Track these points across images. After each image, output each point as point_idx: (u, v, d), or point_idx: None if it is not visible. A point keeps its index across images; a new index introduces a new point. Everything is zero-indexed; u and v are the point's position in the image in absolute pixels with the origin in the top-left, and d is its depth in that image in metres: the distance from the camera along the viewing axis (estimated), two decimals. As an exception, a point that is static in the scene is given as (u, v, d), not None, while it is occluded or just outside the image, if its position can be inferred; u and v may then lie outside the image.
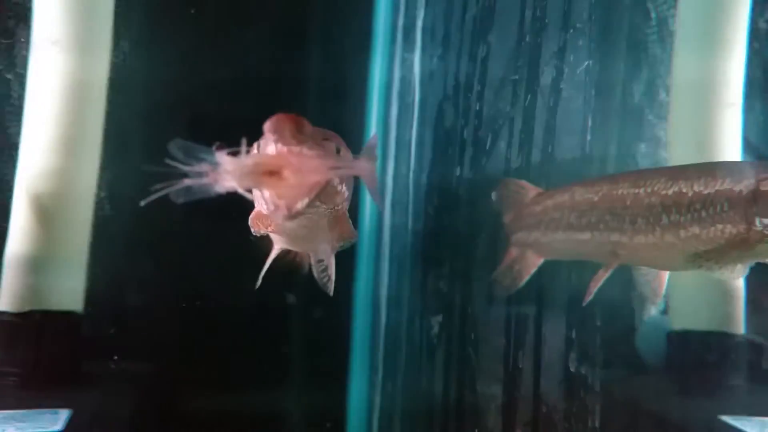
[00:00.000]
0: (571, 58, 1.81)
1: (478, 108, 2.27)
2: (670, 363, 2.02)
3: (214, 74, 2.75)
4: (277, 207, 1.04)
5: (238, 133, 1.05)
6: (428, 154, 2.58)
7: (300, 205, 1.04)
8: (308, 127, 1.01)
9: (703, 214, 1.31)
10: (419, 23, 2.77)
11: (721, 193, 1.29)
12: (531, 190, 1.79)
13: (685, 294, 1.97)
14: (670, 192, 1.36)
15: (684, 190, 1.33)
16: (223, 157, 1.01)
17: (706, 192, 1.30)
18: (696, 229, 1.32)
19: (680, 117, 1.89)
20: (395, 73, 2.92)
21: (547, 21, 1.95)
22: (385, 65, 2.98)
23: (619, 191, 1.47)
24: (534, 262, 1.76)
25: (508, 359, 1.95)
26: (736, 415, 1.83)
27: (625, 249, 1.45)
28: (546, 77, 1.90)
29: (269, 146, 1.03)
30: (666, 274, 1.54)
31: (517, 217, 1.81)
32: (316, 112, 2.96)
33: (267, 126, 0.99)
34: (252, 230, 1.36)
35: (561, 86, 1.84)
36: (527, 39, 2.03)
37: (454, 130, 2.40)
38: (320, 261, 1.57)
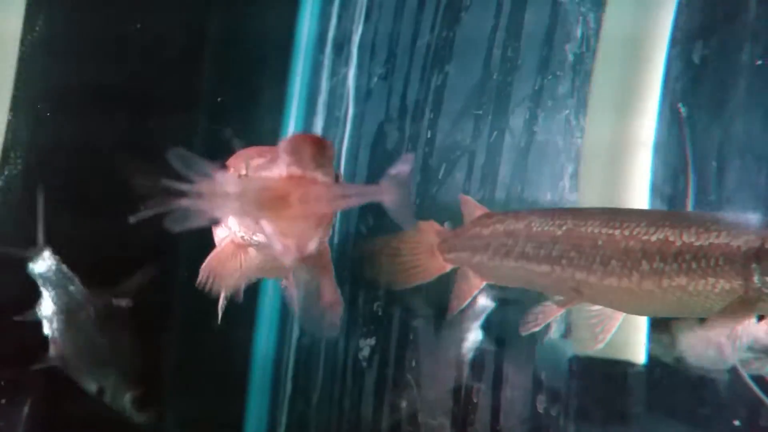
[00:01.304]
0: (549, 104, 1.81)
1: (429, 136, 2.22)
2: (571, 388, 2.07)
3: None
4: (286, 248, 0.88)
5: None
6: (363, 172, 2.49)
7: (313, 245, 0.89)
8: (331, 150, 0.88)
9: (693, 265, 1.27)
10: (355, 38, 2.67)
11: (716, 246, 1.26)
12: (476, 209, 1.70)
13: (585, 319, 2.02)
14: (653, 238, 1.32)
15: (671, 239, 1.30)
16: (223, 176, 0.88)
17: (698, 243, 1.27)
18: (683, 280, 1.29)
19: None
20: (322, 83, 2.81)
21: (519, 62, 1.94)
22: (307, 74, 2.87)
23: (588, 229, 1.42)
24: (476, 284, 1.69)
25: (460, 392, 1.91)
26: None
27: (592, 289, 1.41)
28: (517, 118, 1.88)
29: (276, 168, 0.88)
30: (618, 321, 1.50)
31: (458, 234, 1.71)
32: (226, 112, 2.80)
33: (285, 146, 0.85)
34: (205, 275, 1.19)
35: (534, 129, 1.82)
36: (494, 77, 2.00)
37: (398, 153, 2.33)
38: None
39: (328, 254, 1.22)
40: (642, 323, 1.91)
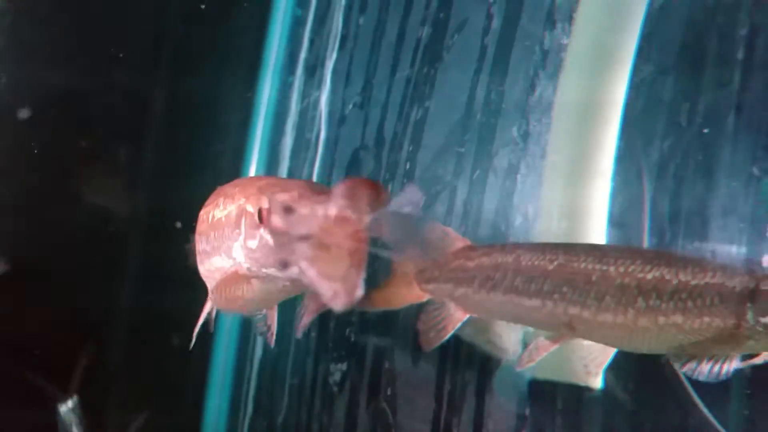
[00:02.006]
0: (534, 148, 1.87)
1: (408, 167, 2.24)
2: (529, 414, 2.12)
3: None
4: (336, 294, 0.85)
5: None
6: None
7: (361, 290, 0.87)
8: (385, 195, 0.88)
9: (689, 304, 1.30)
10: (329, 64, 2.67)
11: (712, 286, 1.29)
12: (457, 241, 1.67)
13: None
14: (649, 276, 1.33)
15: (667, 277, 1.32)
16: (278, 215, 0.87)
17: (694, 283, 1.30)
18: (678, 318, 1.31)
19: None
20: (292, 105, 2.80)
21: (503, 106, 1.99)
22: (275, 94, 2.86)
23: (581, 265, 1.42)
24: (458, 317, 1.65)
25: (438, 422, 1.94)
26: None
27: (586, 325, 1.40)
28: (501, 159, 1.94)
29: (322, 209, 0.87)
30: (610, 355, 1.55)
31: (436, 266, 1.67)
32: (186, 125, 2.77)
33: (340, 190, 0.85)
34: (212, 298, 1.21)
35: (520, 170, 1.88)
36: (478, 117, 2.05)
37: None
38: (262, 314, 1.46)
39: None
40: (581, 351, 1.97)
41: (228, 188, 1.28)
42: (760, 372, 1.58)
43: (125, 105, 2.71)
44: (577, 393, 2.04)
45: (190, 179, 2.71)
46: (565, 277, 1.43)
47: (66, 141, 2.60)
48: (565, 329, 1.44)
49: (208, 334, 2.77)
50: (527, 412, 1.84)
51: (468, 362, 1.97)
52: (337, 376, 2.29)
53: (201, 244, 1.32)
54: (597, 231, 2.05)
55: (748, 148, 1.76)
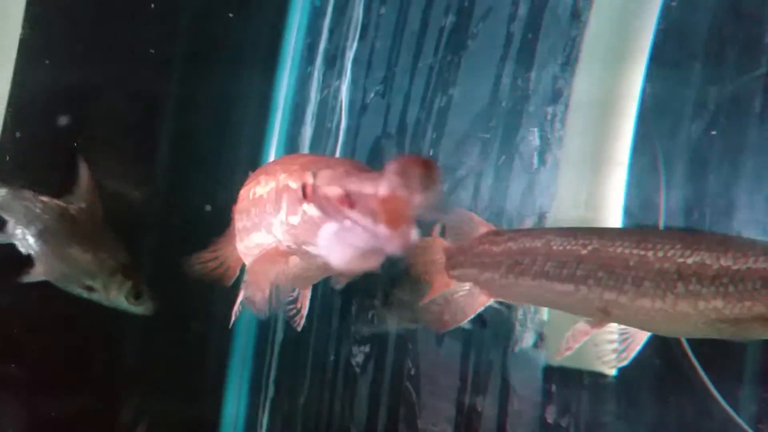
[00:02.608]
0: (560, 133, 1.88)
1: (431, 153, 2.26)
2: (545, 397, 2.13)
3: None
4: (391, 236, 0.84)
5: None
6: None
7: (415, 234, 0.85)
8: (439, 174, 0.86)
9: (731, 289, 1.27)
10: (349, 54, 2.68)
11: (754, 271, 1.26)
12: (481, 226, 1.65)
13: (559, 331, 2.00)
14: (689, 261, 1.31)
15: (708, 262, 1.30)
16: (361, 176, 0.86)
17: (735, 267, 1.27)
18: (719, 303, 1.28)
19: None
20: (311, 94, 2.81)
21: (530, 92, 2.00)
22: (294, 84, 2.87)
23: (617, 249, 1.40)
24: (482, 302, 1.64)
25: (463, 400, 1.95)
26: None
27: (623, 310, 1.39)
28: (527, 144, 1.95)
29: (372, 187, 0.85)
30: (643, 341, 1.49)
31: (462, 251, 1.65)
32: (205, 115, 2.78)
33: (393, 167, 0.82)
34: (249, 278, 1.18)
35: (545, 155, 1.89)
36: (503, 104, 2.06)
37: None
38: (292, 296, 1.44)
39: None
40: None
41: (270, 166, 1.27)
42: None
43: (145, 97, 2.71)
44: (592, 378, 2.05)
45: (209, 168, 2.71)
46: (600, 261, 1.40)
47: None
48: (600, 314, 1.42)
49: (228, 318, 2.79)
50: (543, 394, 1.85)
51: (492, 342, 1.99)
52: (359, 358, 2.31)
53: (241, 221, 1.30)
54: (612, 220, 2.06)
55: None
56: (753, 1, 1.79)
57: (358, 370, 2.30)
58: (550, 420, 1.99)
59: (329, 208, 0.91)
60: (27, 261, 2.10)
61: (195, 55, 2.76)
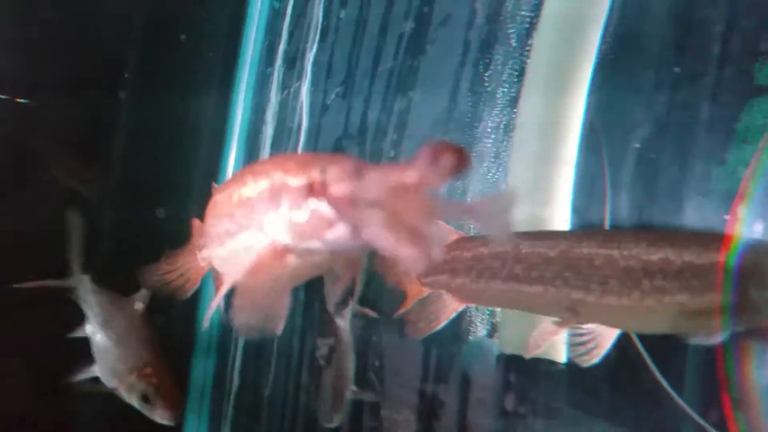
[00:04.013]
0: (512, 136, 1.95)
1: (393, 154, 2.30)
2: (498, 385, 2.21)
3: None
4: (414, 256, 0.80)
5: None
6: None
7: (438, 250, 0.81)
8: (469, 161, 0.83)
9: (695, 282, 1.30)
10: (309, 56, 2.70)
11: (717, 264, 1.29)
12: (450, 233, 1.66)
13: (512, 320, 2.10)
14: (654, 258, 1.33)
15: (672, 258, 1.32)
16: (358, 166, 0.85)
17: (699, 262, 1.30)
18: (684, 297, 1.32)
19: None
20: (271, 95, 2.82)
21: (486, 96, 2.07)
22: (253, 85, 2.88)
23: (584, 250, 1.41)
24: (454, 307, 1.67)
25: (425, 390, 2.01)
26: None
27: (590, 308, 1.41)
28: (482, 146, 2.02)
29: (398, 174, 0.83)
30: (613, 338, 1.51)
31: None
32: (163, 115, 2.76)
33: (426, 152, 0.80)
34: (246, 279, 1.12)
35: (504, 159, 1.96)
36: (461, 108, 2.12)
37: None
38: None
39: (362, 261, 1.17)
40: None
41: (256, 167, 1.21)
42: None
43: (103, 95, 2.66)
44: (543, 365, 2.13)
45: (167, 168, 2.69)
46: (567, 262, 1.42)
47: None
48: (569, 314, 1.44)
49: (191, 312, 2.77)
50: (497, 381, 1.91)
51: (450, 333, 2.04)
52: (324, 351, 2.34)
53: (221, 226, 1.24)
54: (561, 217, 2.15)
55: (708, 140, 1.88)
56: (702, 10, 1.88)
57: (323, 362, 2.33)
58: (508, 407, 2.06)
59: (343, 204, 0.90)
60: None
61: (152, 54, 2.73)
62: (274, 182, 1.06)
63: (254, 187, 1.12)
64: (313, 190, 0.97)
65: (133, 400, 2.00)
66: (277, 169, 1.07)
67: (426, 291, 1.67)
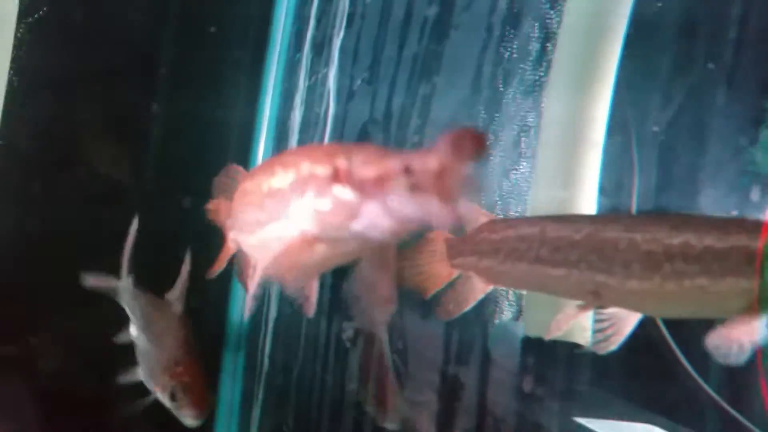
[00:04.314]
0: (537, 118, 1.96)
1: (417, 140, 2.32)
2: (523, 367, 2.23)
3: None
4: (440, 213, 0.83)
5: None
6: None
7: (464, 209, 0.85)
8: (488, 148, 0.88)
9: (715, 267, 1.30)
10: (336, 41, 2.73)
11: (737, 248, 1.29)
12: (482, 216, 1.66)
13: (537, 304, 2.09)
14: (675, 242, 1.33)
15: (692, 242, 1.32)
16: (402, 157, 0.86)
17: (719, 246, 1.30)
18: (704, 281, 1.31)
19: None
20: (300, 81, 2.85)
21: (509, 82, 2.08)
22: (282, 71, 2.91)
23: (608, 233, 1.41)
24: (482, 289, 1.66)
25: (447, 371, 2.04)
26: (587, 417, 2.07)
27: (613, 292, 1.41)
28: (507, 131, 2.02)
29: (419, 160, 0.85)
30: (635, 323, 1.50)
31: (463, 241, 1.66)
32: (191, 100, 2.81)
33: (448, 142, 0.82)
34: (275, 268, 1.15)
35: (522, 144, 1.97)
36: (484, 93, 2.13)
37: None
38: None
39: (393, 250, 1.16)
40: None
41: (284, 158, 1.24)
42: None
43: (133, 84, 2.72)
44: (568, 348, 2.14)
45: (197, 153, 2.75)
46: (591, 245, 1.42)
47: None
48: (592, 297, 1.44)
49: (222, 298, 2.85)
50: (522, 363, 1.94)
51: (474, 316, 2.07)
52: (350, 333, 2.39)
53: (252, 214, 1.27)
54: (588, 199, 2.15)
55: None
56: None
57: (348, 344, 2.39)
58: (527, 389, 2.08)
59: (368, 186, 0.91)
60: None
61: (185, 40, 2.78)
62: (302, 173, 1.08)
63: (284, 177, 1.14)
64: (337, 177, 0.98)
65: (166, 400, 2.00)
66: (305, 160, 1.09)
67: (456, 272, 1.67)
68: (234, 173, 1.55)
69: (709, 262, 1.30)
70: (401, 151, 0.90)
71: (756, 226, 1.32)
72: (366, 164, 0.93)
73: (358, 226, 0.95)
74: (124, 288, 2.14)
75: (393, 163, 0.88)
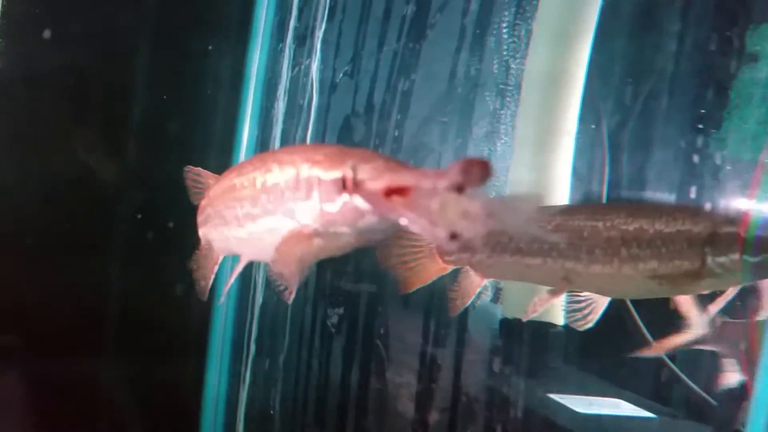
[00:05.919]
0: (508, 119, 2.15)
1: (396, 134, 2.50)
2: (501, 347, 2.38)
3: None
4: (449, 235, 0.88)
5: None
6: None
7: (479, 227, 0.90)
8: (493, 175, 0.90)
9: (663, 250, 1.44)
10: (318, 33, 2.86)
11: (682, 233, 1.44)
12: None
13: (514, 287, 2.28)
14: (630, 228, 1.47)
15: (645, 227, 1.45)
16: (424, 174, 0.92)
17: (667, 231, 1.44)
18: (654, 264, 1.45)
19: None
20: (283, 71, 2.97)
21: (481, 81, 2.26)
22: (265, 60, 3.01)
23: (575, 223, 1.53)
24: (478, 282, 1.75)
25: (425, 354, 2.25)
26: (562, 394, 2.26)
27: (580, 276, 1.54)
28: (479, 130, 2.21)
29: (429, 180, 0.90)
30: (606, 304, 1.62)
31: None
32: (174, 89, 2.91)
33: (458, 168, 0.87)
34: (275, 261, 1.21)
35: (495, 141, 2.16)
36: (458, 91, 2.31)
37: (365, 145, 2.58)
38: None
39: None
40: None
41: (278, 155, 1.28)
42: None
43: (113, 74, 2.78)
44: (543, 328, 2.34)
45: (182, 143, 2.88)
46: (560, 234, 1.53)
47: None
48: (563, 283, 1.56)
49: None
50: (500, 343, 2.14)
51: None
52: (334, 319, 2.59)
53: (242, 209, 1.32)
54: (562, 183, 2.34)
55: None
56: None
57: (333, 330, 2.58)
58: (504, 367, 2.28)
59: (378, 201, 0.97)
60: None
61: (166, 30, 2.87)
62: (302, 172, 1.14)
63: (280, 174, 1.19)
64: (345, 186, 1.04)
65: None
66: (304, 160, 1.15)
67: (448, 268, 1.77)
68: (196, 174, 1.62)
69: (659, 246, 1.44)
70: (408, 166, 0.98)
71: (701, 212, 1.50)
72: (374, 178, 0.99)
73: (362, 225, 1.04)
74: None
75: (404, 180, 0.94)
